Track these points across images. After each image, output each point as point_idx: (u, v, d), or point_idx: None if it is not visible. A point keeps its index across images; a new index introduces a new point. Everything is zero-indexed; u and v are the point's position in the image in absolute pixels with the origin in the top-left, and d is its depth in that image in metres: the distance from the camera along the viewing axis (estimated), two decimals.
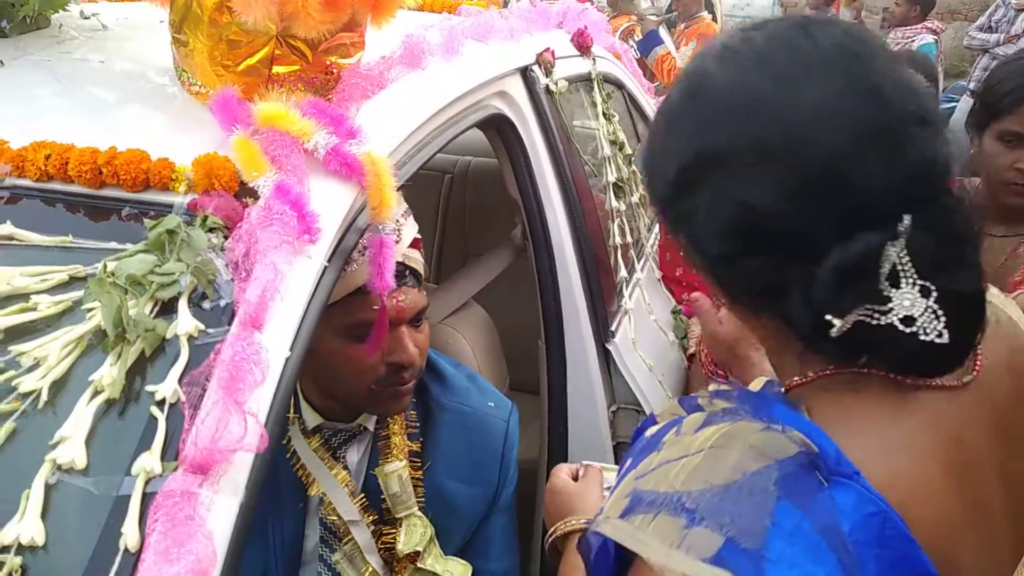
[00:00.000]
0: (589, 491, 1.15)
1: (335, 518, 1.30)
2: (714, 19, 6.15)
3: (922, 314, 0.66)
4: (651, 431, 0.75)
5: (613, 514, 0.66)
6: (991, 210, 1.94)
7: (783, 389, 0.76)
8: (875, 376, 0.71)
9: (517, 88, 1.69)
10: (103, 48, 1.36)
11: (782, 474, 0.62)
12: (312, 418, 1.33)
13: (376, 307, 1.14)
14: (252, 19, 1.04)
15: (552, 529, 1.13)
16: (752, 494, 0.62)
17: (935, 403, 0.71)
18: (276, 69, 1.12)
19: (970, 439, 0.72)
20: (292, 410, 1.35)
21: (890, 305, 0.66)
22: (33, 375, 0.81)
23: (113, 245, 0.92)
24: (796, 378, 0.75)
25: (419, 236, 1.34)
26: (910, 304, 0.66)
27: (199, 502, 0.73)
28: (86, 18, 1.47)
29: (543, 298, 1.77)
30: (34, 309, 0.85)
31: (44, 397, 0.80)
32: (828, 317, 0.66)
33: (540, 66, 1.77)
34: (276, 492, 1.32)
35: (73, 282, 0.89)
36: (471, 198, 2.72)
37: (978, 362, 0.75)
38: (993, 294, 0.76)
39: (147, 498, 0.74)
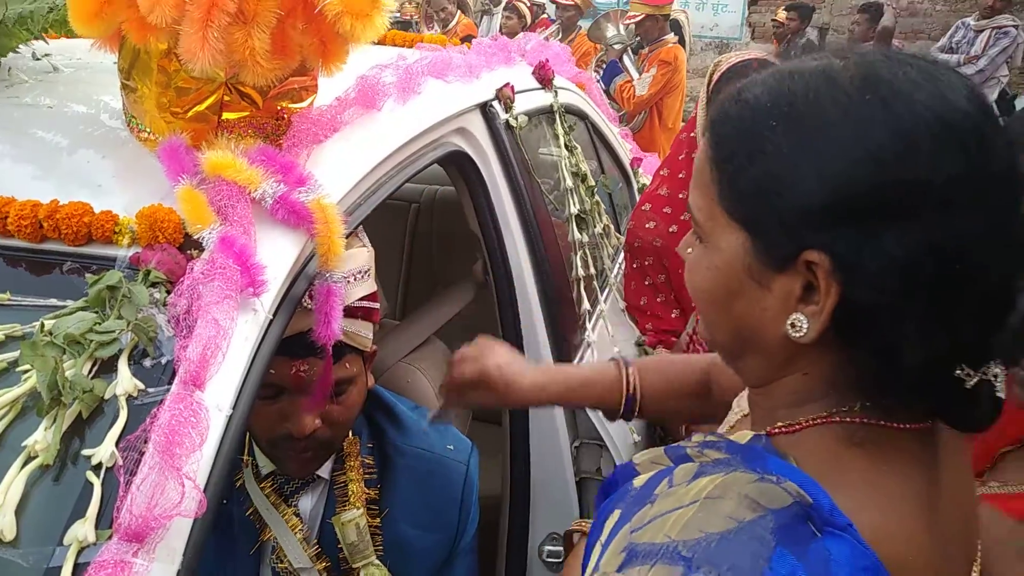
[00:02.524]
0: None
1: (286, 565, 1.28)
2: (681, 41, 6.23)
3: (1001, 372, 0.69)
4: (639, 481, 0.75)
5: (610, 569, 0.66)
6: None
7: (766, 434, 0.76)
8: (860, 424, 0.72)
9: (477, 124, 1.69)
10: (53, 91, 1.34)
11: (777, 524, 0.63)
12: (266, 464, 1.32)
13: (273, 370, 1.13)
14: (199, 67, 1.03)
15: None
16: (749, 541, 0.62)
17: (911, 446, 0.73)
18: (226, 115, 1.11)
19: (937, 477, 0.74)
20: (246, 452, 1.33)
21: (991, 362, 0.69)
22: None
23: (53, 302, 0.90)
24: (780, 425, 0.75)
25: (375, 305, 1.30)
26: (998, 361, 0.69)
27: (134, 572, 0.71)
28: (37, 59, 1.45)
29: (505, 332, 1.76)
30: None
31: None
32: (963, 371, 0.68)
33: (500, 101, 1.78)
34: (229, 537, 1.30)
35: (10, 341, 0.87)
36: (438, 227, 2.72)
37: None
38: None
39: (79, 569, 0.72)
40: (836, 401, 0.72)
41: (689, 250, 0.80)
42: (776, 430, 0.75)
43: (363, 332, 1.25)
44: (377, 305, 1.30)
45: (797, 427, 0.74)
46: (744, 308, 0.74)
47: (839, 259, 0.66)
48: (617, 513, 0.72)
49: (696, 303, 0.81)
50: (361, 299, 1.23)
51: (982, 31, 6.88)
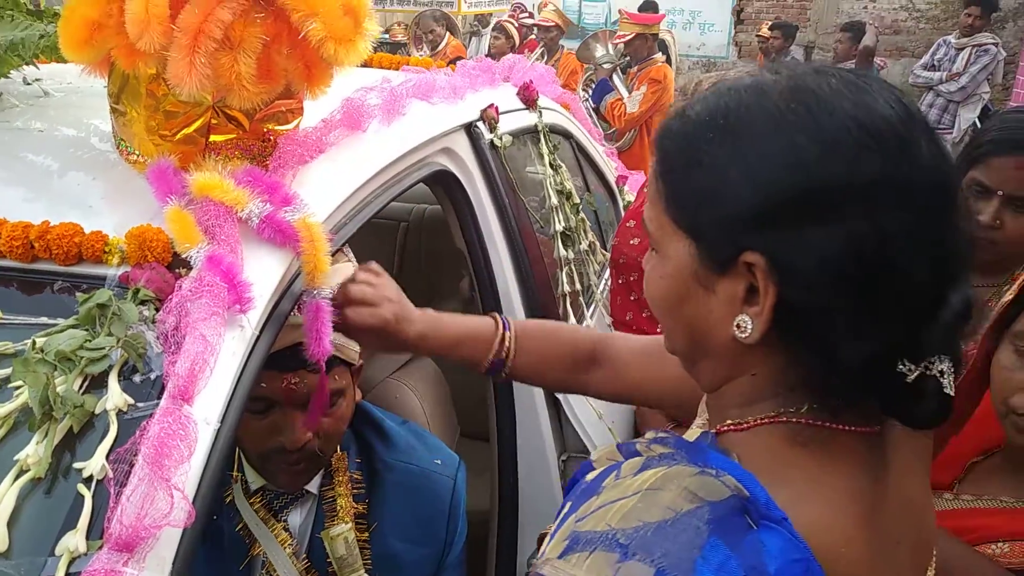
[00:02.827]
0: None
1: None
2: (668, 60, 6.31)
3: (948, 370, 0.72)
4: (591, 476, 0.78)
5: (553, 555, 0.69)
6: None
7: (715, 433, 0.79)
8: (806, 425, 0.74)
9: (462, 144, 1.73)
10: (44, 116, 1.37)
11: (713, 515, 0.66)
12: (255, 479, 1.33)
13: (264, 384, 1.15)
14: (187, 91, 1.06)
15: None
16: (684, 531, 0.65)
17: (857, 447, 0.75)
18: (213, 138, 1.14)
19: (883, 478, 0.77)
20: (235, 469, 1.35)
21: (934, 359, 0.72)
22: None
23: (44, 320, 0.93)
24: (730, 422, 0.78)
25: None
26: (943, 359, 0.72)
27: None
28: (28, 84, 1.48)
29: None
30: None
31: None
32: (904, 366, 0.70)
33: (484, 122, 1.81)
34: (219, 552, 1.32)
35: (1, 359, 0.89)
36: (427, 246, 2.75)
37: None
38: None
39: None
40: (784, 402, 0.75)
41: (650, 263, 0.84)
42: (725, 428, 0.78)
43: (351, 345, 1.28)
44: None
45: (746, 425, 0.77)
46: (694, 312, 0.78)
47: (774, 260, 0.70)
48: (568, 505, 0.75)
49: (654, 312, 0.84)
50: None
51: (963, 49, 6.98)
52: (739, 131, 0.73)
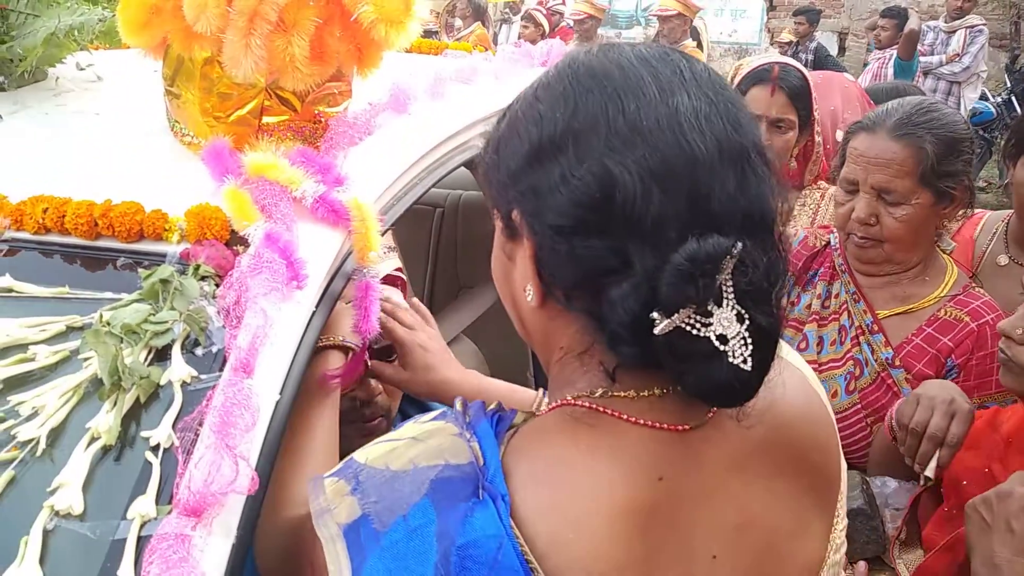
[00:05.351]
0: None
1: None
2: (699, 46, 6.27)
3: (734, 337, 0.66)
4: None
5: (328, 472, 0.75)
6: (1022, 238, 1.92)
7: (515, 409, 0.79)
8: (587, 409, 0.73)
9: None
10: (99, 99, 1.40)
11: (441, 476, 0.68)
12: None
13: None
14: (241, 73, 1.08)
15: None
16: (407, 485, 0.68)
17: (640, 441, 0.72)
18: (266, 119, 1.17)
19: (679, 482, 0.73)
20: None
21: (710, 320, 0.66)
22: (32, 423, 0.84)
23: (109, 295, 0.95)
24: (545, 406, 0.77)
25: (404, 276, 1.36)
26: (727, 324, 0.66)
27: (192, 544, 0.76)
28: (82, 69, 1.51)
29: None
30: (32, 359, 0.89)
31: (42, 445, 0.83)
32: (655, 314, 0.65)
33: None
34: None
35: (70, 332, 0.92)
36: (463, 231, 2.76)
37: (712, 411, 0.75)
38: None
39: (142, 541, 0.77)
40: (585, 386, 0.74)
41: None
42: (541, 412, 0.78)
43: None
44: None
45: (548, 409, 0.76)
46: (511, 286, 0.79)
47: (525, 211, 0.73)
48: None
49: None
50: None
51: (954, 32, 6.94)
52: (518, 98, 0.78)
